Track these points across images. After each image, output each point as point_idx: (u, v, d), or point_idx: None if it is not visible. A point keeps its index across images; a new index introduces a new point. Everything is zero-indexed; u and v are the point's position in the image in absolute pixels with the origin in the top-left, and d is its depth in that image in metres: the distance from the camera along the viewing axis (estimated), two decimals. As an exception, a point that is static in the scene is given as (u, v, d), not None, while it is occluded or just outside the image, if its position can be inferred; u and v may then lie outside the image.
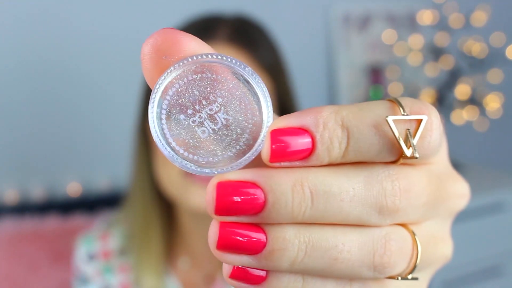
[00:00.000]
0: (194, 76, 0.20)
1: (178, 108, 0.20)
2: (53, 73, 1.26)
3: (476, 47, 1.49)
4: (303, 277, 0.20)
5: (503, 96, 1.50)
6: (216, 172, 0.20)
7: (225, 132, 0.20)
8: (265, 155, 0.19)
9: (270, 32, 0.76)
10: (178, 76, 0.20)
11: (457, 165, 1.51)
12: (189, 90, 0.20)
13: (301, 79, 1.22)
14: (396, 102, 0.20)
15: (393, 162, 0.20)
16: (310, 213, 0.19)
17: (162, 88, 0.20)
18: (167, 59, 0.20)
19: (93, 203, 1.22)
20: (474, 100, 1.50)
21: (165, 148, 0.20)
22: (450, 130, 1.52)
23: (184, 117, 0.20)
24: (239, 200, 0.19)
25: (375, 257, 0.20)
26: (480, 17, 1.50)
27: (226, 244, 0.19)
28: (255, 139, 0.20)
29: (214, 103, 0.20)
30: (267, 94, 0.20)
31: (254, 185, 0.19)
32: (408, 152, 0.19)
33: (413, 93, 1.58)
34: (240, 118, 0.20)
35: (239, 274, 0.20)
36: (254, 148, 0.20)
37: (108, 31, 1.28)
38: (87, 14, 1.27)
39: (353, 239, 0.20)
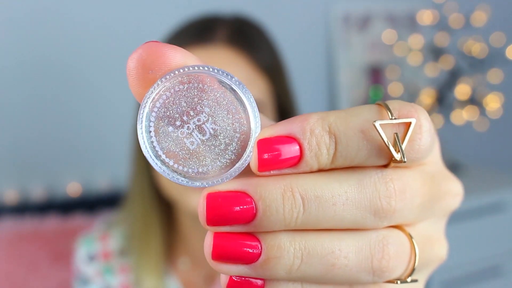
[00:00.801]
0: (181, 87, 0.20)
1: (166, 120, 0.20)
2: (53, 74, 1.26)
3: (476, 47, 1.49)
4: (301, 285, 0.20)
5: (503, 96, 1.50)
6: (206, 185, 0.20)
7: (214, 142, 0.20)
8: (254, 166, 0.19)
9: (269, 33, 0.75)
10: (165, 89, 0.20)
11: (457, 165, 1.51)
12: (176, 101, 0.20)
13: (301, 79, 1.22)
14: (384, 106, 0.20)
15: (385, 166, 0.20)
16: (303, 219, 0.19)
17: (149, 101, 0.20)
18: (153, 73, 0.20)
19: (93, 203, 1.22)
20: (474, 100, 1.50)
21: (155, 163, 0.20)
22: (450, 130, 1.52)
23: (172, 129, 0.20)
24: (229, 210, 0.19)
25: (373, 262, 0.20)
26: (480, 17, 1.50)
27: (221, 254, 0.19)
28: (243, 148, 0.20)
29: (202, 113, 0.20)
30: (254, 103, 0.21)
31: (244, 194, 0.19)
32: (397, 156, 0.19)
33: (413, 93, 1.58)
34: (228, 128, 0.20)
35: (236, 283, 0.20)
36: (243, 158, 0.20)
37: (108, 32, 1.28)
38: (89, 15, 1.27)
39: (350, 244, 0.20)
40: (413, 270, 0.21)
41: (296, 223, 0.19)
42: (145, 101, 0.20)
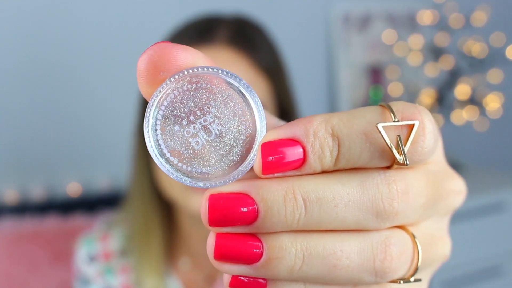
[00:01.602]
0: (189, 87, 0.20)
1: (173, 119, 0.20)
2: (53, 74, 1.26)
3: (476, 47, 1.49)
4: (304, 285, 0.20)
5: (503, 96, 1.50)
6: (209, 186, 0.20)
7: (219, 143, 0.20)
8: (257, 168, 0.20)
9: (269, 33, 0.75)
10: (173, 88, 0.20)
11: (457, 165, 1.51)
12: (184, 101, 0.20)
13: (301, 79, 1.22)
14: (387, 107, 0.20)
15: (388, 167, 0.20)
16: (305, 220, 0.19)
17: (157, 100, 0.20)
18: (164, 75, 0.20)
19: (93, 203, 1.22)
20: (474, 100, 1.50)
21: (160, 161, 0.20)
22: (450, 130, 1.52)
23: (178, 128, 0.20)
24: (231, 211, 0.19)
25: (375, 263, 0.20)
26: (480, 17, 1.50)
27: (223, 255, 0.19)
28: (248, 151, 0.21)
29: (209, 114, 0.20)
30: (261, 106, 0.21)
31: (246, 196, 0.19)
32: (399, 158, 0.19)
33: (413, 93, 1.58)
34: (234, 130, 0.21)
35: (238, 283, 0.20)
36: (247, 161, 0.20)
37: (109, 32, 1.28)
38: (89, 13, 1.27)
39: (352, 245, 0.20)
40: (416, 269, 0.21)
41: (298, 224, 0.19)
42: (153, 99, 0.20)
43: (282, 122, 0.23)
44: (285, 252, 0.19)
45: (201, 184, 0.20)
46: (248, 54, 0.68)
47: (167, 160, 0.20)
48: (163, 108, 0.20)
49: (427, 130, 0.20)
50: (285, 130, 0.20)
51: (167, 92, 0.20)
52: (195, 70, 0.20)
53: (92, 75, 1.29)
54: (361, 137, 0.19)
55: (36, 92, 1.25)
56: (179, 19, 0.76)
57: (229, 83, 0.21)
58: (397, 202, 0.20)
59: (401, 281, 0.21)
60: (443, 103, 1.52)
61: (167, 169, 0.20)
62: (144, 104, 0.72)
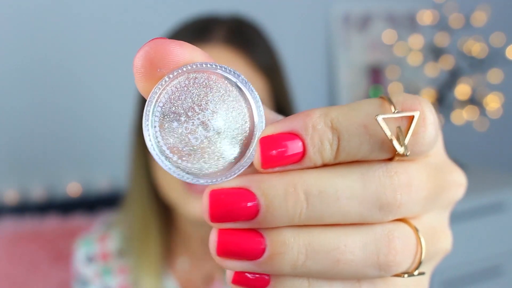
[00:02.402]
0: (187, 83, 0.20)
1: (171, 116, 0.20)
2: (53, 74, 1.26)
3: (476, 47, 1.49)
4: (308, 280, 0.20)
5: (503, 96, 1.50)
6: (211, 183, 0.20)
7: (218, 139, 0.20)
8: (257, 163, 0.19)
9: (266, 33, 0.75)
10: (171, 85, 0.20)
11: (457, 165, 1.51)
12: (182, 97, 0.20)
13: (301, 79, 1.22)
14: (387, 99, 0.20)
15: (390, 160, 0.20)
16: (307, 214, 0.19)
17: (155, 97, 0.20)
18: (161, 71, 0.20)
19: (93, 203, 1.22)
20: (474, 100, 1.50)
21: (160, 159, 0.20)
22: (450, 130, 1.52)
23: (177, 125, 0.20)
24: (232, 207, 0.19)
25: (379, 257, 0.20)
26: (480, 17, 1.50)
27: (226, 251, 0.19)
28: (247, 146, 0.21)
29: (207, 110, 0.20)
30: (259, 102, 0.21)
31: (247, 190, 0.19)
32: (400, 150, 0.19)
33: (413, 93, 1.58)
34: (232, 126, 0.20)
35: (242, 279, 0.20)
36: (247, 156, 0.20)
37: (107, 32, 1.28)
38: (88, 14, 1.27)
39: (355, 239, 0.19)
40: (419, 263, 0.21)
41: (300, 218, 0.19)
42: (151, 96, 0.20)
43: (281, 117, 0.23)
44: (288, 247, 0.19)
45: (202, 181, 0.20)
46: (245, 53, 0.68)
47: (167, 158, 0.20)
48: (161, 105, 0.20)
49: (428, 121, 0.20)
50: (284, 124, 0.19)
51: (165, 89, 0.20)
52: (194, 66, 0.20)
53: (92, 75, 1.29)
54: (361, 130, 0.19)
55: (36, 92, 1.25)
56: (177, 19, 0.76)
57: (227, 79, 0.21)
58: (400, 194, 0.20)
59: (405, 275, 0.21)
60: (443, 103, 1.52)
61: (168, 167, 0.20)
62: (142, 103, 0.72)
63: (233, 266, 0.19)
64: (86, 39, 1.27)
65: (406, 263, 0.21)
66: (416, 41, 1.54)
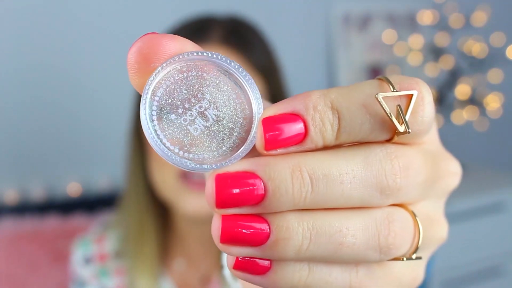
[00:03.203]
0: (181, 75, 0.20)
1: (168, 108, 0.20)
2: (53, 74, 1.26)
3: (476, 47, 1.49)
4: (308, 265, 0.20)
5: (503, 96, 1.50)
6: (214, 167, 0.20)
7: (217, 127, 0.20)
8: (259, 145, 0.19)
9: (263, 33, 0.75)
10: (165, 76, 0.20)
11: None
12: (177, 89, 0.20)
13: (301, 79, 1.22)
14: (385, 80, 0.20)
15: (388, 140, 0.20)
16: (311, 198, 0.19)
17: (151, 89, 0.20)
18: (155, 66, 0.20)
19: (93, 203, 1.22)
20: (474, 100, 1.50)
21: (161, 149, 0.20)
22: (450, 130, 1.52)
23: (175, 117, 0.20)
24: (239, 191, 0.18)
25: (380, 239, 0.20)
26: (480, 17, 1.50)
27: (230, 237, 0.19)
28: (247, 132, 0.20)
29: (203, 100, 0.20)
30: (254, 86, 0.21)
31: (253, 174, 0.19)
32: (401, 128, 0.19)
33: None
34: (231, 113, 0.20)
35: (243, 264, 0.20)
36: (249, 140, 0.20)
37: (105, 32, 1.28)
38: (86, 14, 1.27)
39: (357, 223, 0.20)
40: (417, 247, 0.21)
41: (305, 202, 0.19)
42: (146, 90, 0.20)
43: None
44: (293, 232, 0.19)
45: (206, 167, 0.20)
46: (242, 53, 0.68)
47: (168, 149, 0.20)
48: (157, 98, 0.20)
49: (426, 100, 0.20)
50: (284, 105, 0.19)
51: (159, 81, 0.20)
52: (186, 56, 0.20)
53: (92, 75, 1.29)
54: (361, 109, 0.19)
55: (36, 92, 1.25)
56: (175, 19, 0.76)
57: (220, 67, 0.21)
58: (400, 177, 0.20)
59: (404, 258, 0.21)
60: (443, 103, 1.52)
61: (172, 159, 0.20)
62: (138, 102, 0.72)
63: (237, 252, 0.19)
64: (86, 39, 1.27)
65: (405, 246, 0.21)
66: (416, 41, 1.54)
